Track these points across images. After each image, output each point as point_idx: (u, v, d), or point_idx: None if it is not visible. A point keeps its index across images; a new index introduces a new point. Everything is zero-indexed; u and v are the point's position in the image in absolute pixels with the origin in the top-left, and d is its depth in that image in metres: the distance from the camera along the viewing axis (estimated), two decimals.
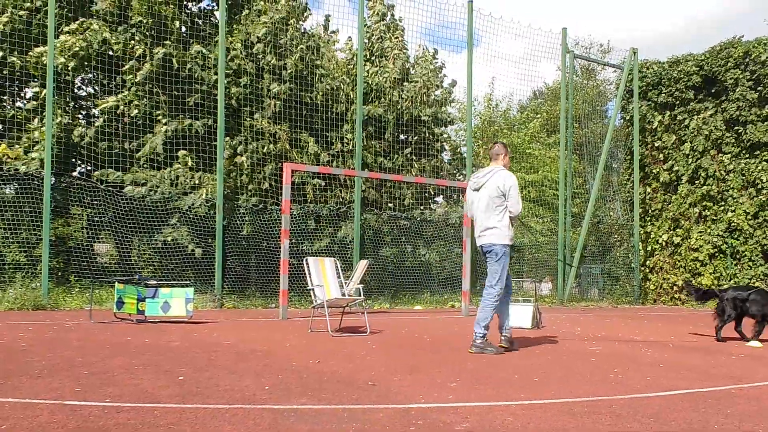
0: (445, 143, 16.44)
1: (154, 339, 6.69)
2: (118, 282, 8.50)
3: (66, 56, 12.29)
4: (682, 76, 16.69)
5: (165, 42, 12.81)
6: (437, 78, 16.11)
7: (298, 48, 13.77)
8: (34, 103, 12.23)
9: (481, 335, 6.24)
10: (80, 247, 12.29)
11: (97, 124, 12.56)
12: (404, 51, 15.78)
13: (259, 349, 6.14)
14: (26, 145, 11.87)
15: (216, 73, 12.55)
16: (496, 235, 6.24)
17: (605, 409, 3.81)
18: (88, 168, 13.13)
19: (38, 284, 10.67)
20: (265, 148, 13.22)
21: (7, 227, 11.57)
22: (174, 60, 12.76)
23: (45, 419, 3.26)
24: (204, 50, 13.04)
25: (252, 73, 13.37)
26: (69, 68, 12.38)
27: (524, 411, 3.72)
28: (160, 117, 12.74)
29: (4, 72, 12.33)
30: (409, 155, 15.25)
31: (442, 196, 16.43)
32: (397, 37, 15.71)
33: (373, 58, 15.56)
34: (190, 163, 12.55)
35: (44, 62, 11.84)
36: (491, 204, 6.23)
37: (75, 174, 13.30)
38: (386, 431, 3.19)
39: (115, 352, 5.63)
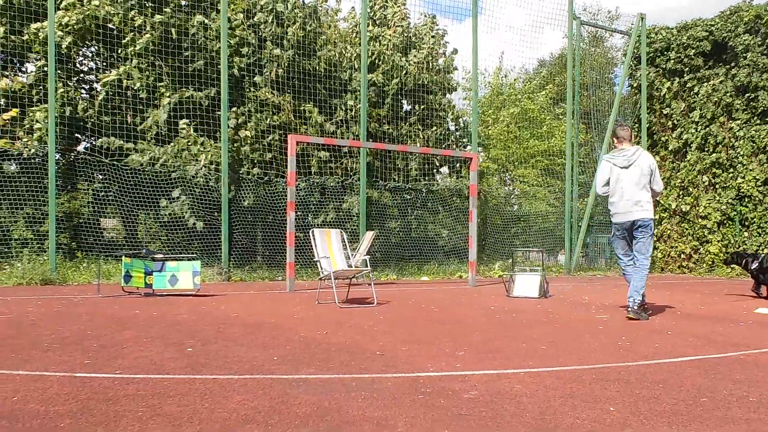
0: (449, 112, 16.29)
1: (162, 312, 6.72)
2: (126, 256, 8.52)
3: (64, 30, 12.16)
4: (691, 41, 16.41)
5: (165, 10, 12.65)
6: (440, 45, 15.90)
7: (299, 17, 13.58)
8: (33, 76, 12.11)
9: (640, 302, 6.58)
10: (87, 222, 12.32)
11: (100, 98, 12.48)
12: (406, 18, 15.55)
13: (266, 321, 6.17)
14: (28, 126, 11.81)
15: (218, 44, 12.43)
16: (649, 210, 6.59)
17: (614, 376, 3.80)
18: (92, 142, 13.09)
19: (46, 259, 10.73)
20: (269, 119, 13.13)
21: (13, 203, 11.59)
22: (174, 30, 12.60)
23: (55, 391, 3.28)
24: (206, 20, 12.88)
25: (254, 43, 13.21)
26: (68, 42, 12.25)
27: (532, 379, 3.72)
28: (162, 90, 12.65)
29: (5, 47, 12.20)
30: (413, 124, 15.13)
31: (446, 167, 16.33)
32: (398, 5, 15.46)
33: (375, 28, 15.35)
34: (191, 132, 12.47)
35: (42, 38, 11.72)
36: (641, 181, 6.57)
37: (79, 149, 13.28)
38: (395, 399, 3.19)
39: (123, 326, 5.66)
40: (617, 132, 6.83)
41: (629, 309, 6.55)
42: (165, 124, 12.50)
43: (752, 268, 9.04)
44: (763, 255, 9.15)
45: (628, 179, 6.56)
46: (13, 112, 11.54)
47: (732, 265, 11.65)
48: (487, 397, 3.27)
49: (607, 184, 6.75)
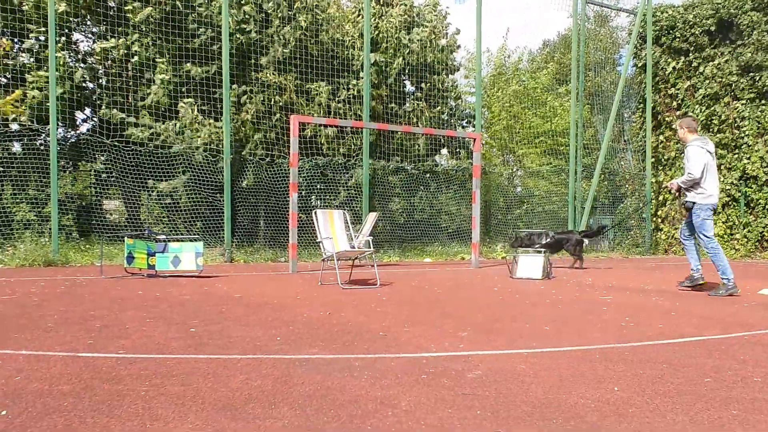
0: (452, 92, 16.17)
1: (165, 293, 6.73)
2: (128, 237, 8.52)
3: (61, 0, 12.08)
4: (697, 20, 16.22)
5: None
6: (443, 25, 15.75)
7: None
8: (31, 42, 12.00)
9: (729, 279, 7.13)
10: (89, 203, 12.31)
11: (95, 59, 12.39)
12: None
13: (269, 301, 6.17)
14: (26, 99, 11.73)
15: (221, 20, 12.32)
16: None
17: (618, 356, 3.79)
18: (94, 121, 13.03)
19: (47, 240, 10.73)
20: (272, 99, 13.05)
21: (15, 184, 11.57)
22: (172, 1, 12.48)
23: (59, 371, 3.28)
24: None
25: (258, 20, 13.09)
26: (62, 9, 12.14)
27: (536, 359, 3.71)
28: (162, 65, 12.55)
29: (5, 22, 12.05)
30: (416, 104, 15.03)
31: (446, 148, 16.24)
32: None
33: (379, 7, 15.19)
34: (195, 113, 12.40)
35: (36, 2, 11.61)
36: None
37: (82, 129, 13.23)
38: (398, 379, 3.19)
39: (126, 306, 5.67)
40: (690, 124, 7.36)
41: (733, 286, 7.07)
42: (166, 101, 12.41)
43: (545, 243, 10.62)
44: (551, 232, 10.95)
45: (714, 165, 7.25)
46: (18, 93, 11.46)
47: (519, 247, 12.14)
48: (491, 377, 3.26)
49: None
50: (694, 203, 7.17)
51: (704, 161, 7.09)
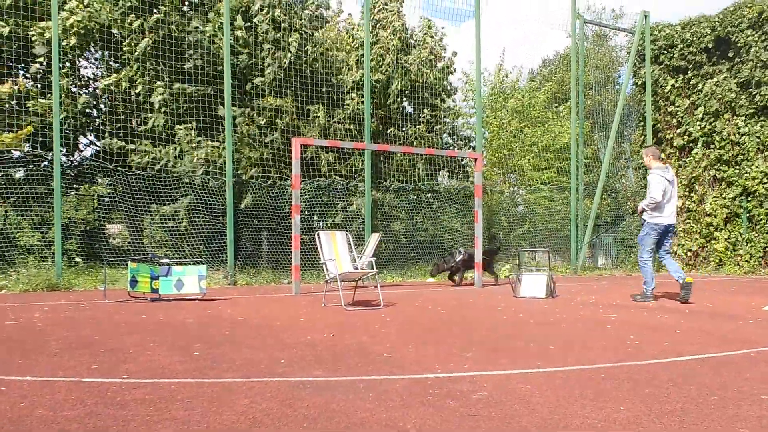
0: (449, 110, 16.28)
1: (168, 316, 6.72)
2: (131, 261, 8.53)
3: (67, 33, 12.23)
4: (695, 38, 16.35)
5: (160, 7, 12.72)
6: (440, 47, 15.89)
7: (295, 19, 13.62)
8: (36, 67, 12.14)
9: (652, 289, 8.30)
10: (93, 227, 12.33)
11: (101, 98, 12.55)
12: (402, 20, 15.52)
13: (272, 324, 6.16)
14: (29, 125, 11.85)
15: (220, 46, 12.46)
16: None
17: (623, 375, 3.78)
18: (97, 146, 13.12)
19: (51, 264, 10.74)
20: (272, 122, 13.15)
21: (19, 209, 11.61)
22: (169, 29, 12.64)
23: (63, 396, 3.27)
24: (201, 27, 12.92)
25: (252, 45, 13.25)
26: (70, 45, 12.31)
27: (541, 378, 3.70)
28: (160, 91, 12.68)
29: (9, 47, 12.19)
30: (415, 125, 15.13)
31: (446, 169, 16.31)
32: (393, 11, 15.46)
33: (375, 30, 15.35)
34: (190, 137, 12.50)
35: (48, 37, 11.77)
36: (676, 193, 8.26)
37: (86, 154, 13.34)
38: (403, 401, 3.18)
39: (130, 330, 5.66)
40: (655, 152, 8.36)
41: (684, 284, 8.05)
42: (164, 127, 12.53)
43: (458, 260, 11.19)
44: (462, 249, 11.50)
45: (673, 191, 8.11)
46: (28, 129, 11.54)
47: (442, 273, 11.91)
48: (496, 398, 3.25)
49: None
50: (644, 221, 8.19)
51: (662, 187, 8.00)
